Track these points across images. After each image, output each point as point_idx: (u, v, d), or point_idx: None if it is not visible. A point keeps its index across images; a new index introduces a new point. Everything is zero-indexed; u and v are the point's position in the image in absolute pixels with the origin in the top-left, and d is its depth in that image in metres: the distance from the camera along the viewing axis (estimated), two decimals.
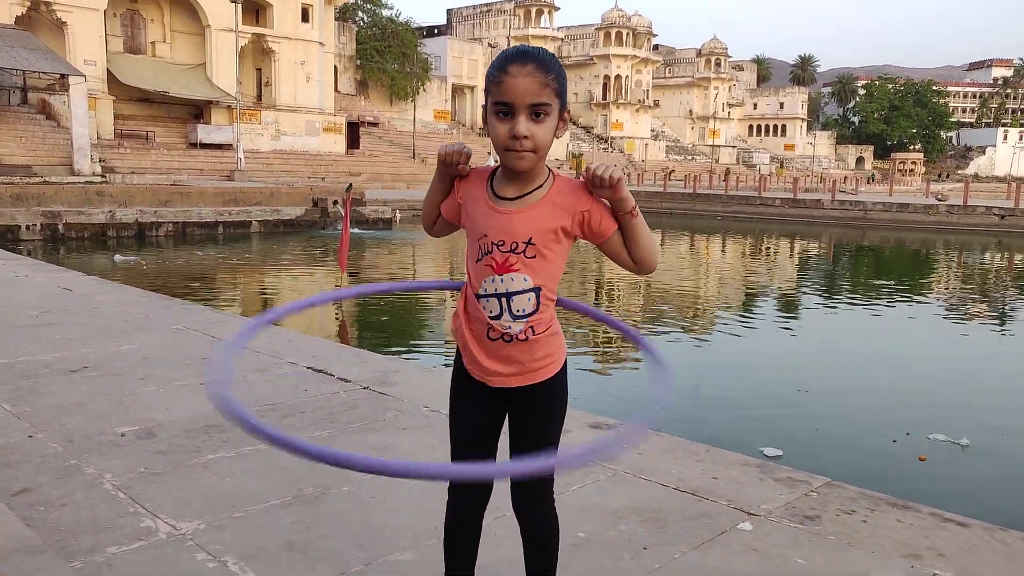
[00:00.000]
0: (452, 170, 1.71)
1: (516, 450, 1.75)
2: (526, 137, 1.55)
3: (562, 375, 1.73)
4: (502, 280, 1.63)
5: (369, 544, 2.38)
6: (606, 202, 1.62)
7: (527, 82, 1.53)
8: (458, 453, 1.77)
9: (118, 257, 16.13)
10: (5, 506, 2.23)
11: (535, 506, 1.78)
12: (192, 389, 4.01)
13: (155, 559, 2.23)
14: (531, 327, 1.65)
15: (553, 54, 1.61)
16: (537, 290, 1.63)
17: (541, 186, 1.64)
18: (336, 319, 11.24)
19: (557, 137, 1.63)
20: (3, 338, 5.03)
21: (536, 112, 1.55)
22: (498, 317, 1.64)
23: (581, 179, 1.62)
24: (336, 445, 3.24)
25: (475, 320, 1.68)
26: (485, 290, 1.65)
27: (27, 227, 18.34)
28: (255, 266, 17.06)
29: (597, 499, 2.78)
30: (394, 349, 8.86)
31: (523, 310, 1.64)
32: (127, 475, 2.85)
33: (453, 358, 1.81)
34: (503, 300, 1.64)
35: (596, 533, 2.51)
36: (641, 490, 2.88)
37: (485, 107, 1.61)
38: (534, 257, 1.62)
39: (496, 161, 1.66)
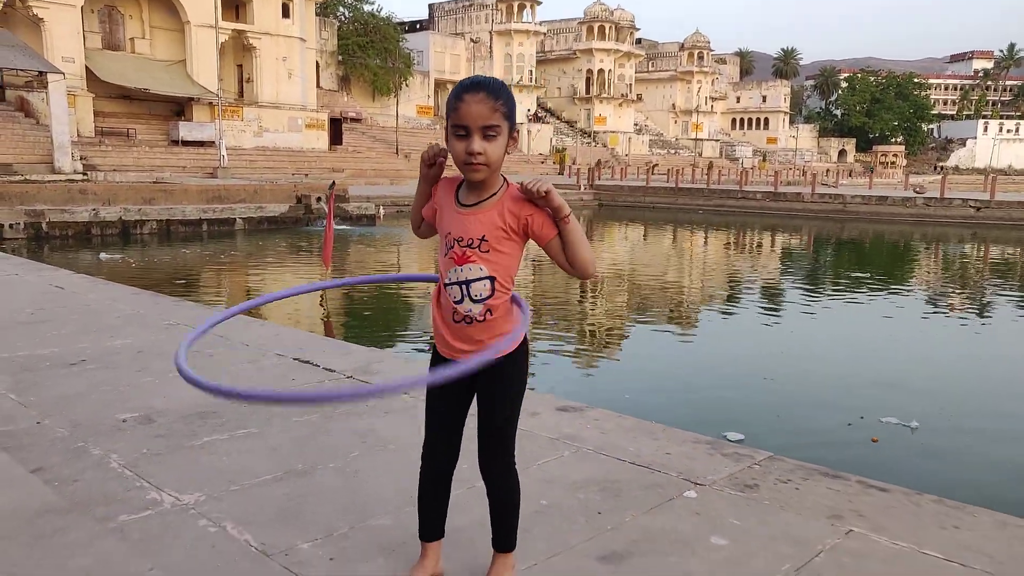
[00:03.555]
0: (432, 167, 2.00)
1: (483, 415, 2.05)
2: (480, 153, 1.85)
3: (522, 349, 2.01)
4: (462, 270, 1.94)
5: (353, 511, 2.66)
6: (549, 210, 1.92)
7: (479, 108, 1.82)
8: (432, 420, 2.09)
9: (103, 255, 16.27)
10: (31, 475, 2.50)
11: (498, 463, 2.07)
12: None
13: (162, 525, 2.50)
14: (488, 310, 1.95)
15: (503, 83, 1.90)
16: (492, 279, 1.94)
17: (495, 194, 1.95)
18: (321, 313, 11.49)
19: (508, 153, 1.93)
20: (2, 334, 5.26)
21: (488, 133, 1.85)
22: (460, 302, 1.95)
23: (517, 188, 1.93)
24: (322, 428, 3.52)
25: (444, 307, 2.00)
26: (450, 279, 1.96)
27: (10, 226, 18.40)
28: (240, 263, 17.24)
29: (559, 472, 3.07)
30: (376, 341, 9.13)
31: (480, 295, 1.94)
32: (131, 455, 3.11)
33: (431, 347, 2.12)
34: (463, 287, 1.94)
35: (556, 501, 2.81)
36: (601, 464, 3.18)
37: (446, 128, 1.90)
38: (488, 252, 1.93)
39: None
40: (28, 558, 1.95)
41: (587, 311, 12.37)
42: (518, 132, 1.95)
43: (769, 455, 3.33)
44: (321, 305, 12.39)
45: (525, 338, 2.04)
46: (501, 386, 2.03)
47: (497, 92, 1.85)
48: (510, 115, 1.87)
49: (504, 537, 2.13)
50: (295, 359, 4.78)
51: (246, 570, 2.25)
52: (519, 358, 2.03)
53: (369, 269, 16.85)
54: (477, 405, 2.07)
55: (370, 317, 11.55)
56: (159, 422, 3.54)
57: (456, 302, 1.95)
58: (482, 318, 1.95)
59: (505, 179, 1.97)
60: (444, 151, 1.98)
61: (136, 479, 2.87)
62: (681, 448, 3.41)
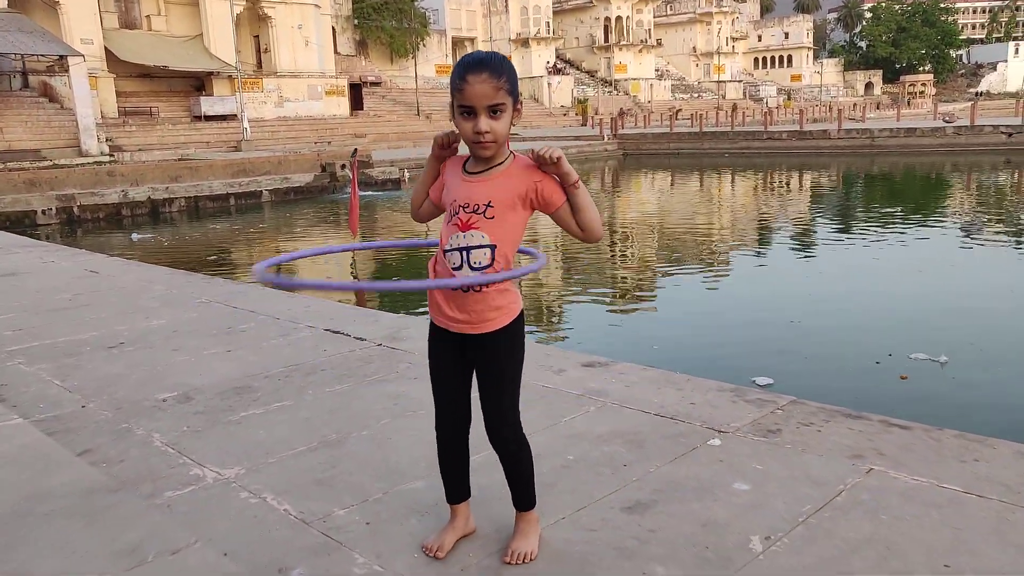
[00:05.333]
0: (445, 150, 2.04)
1: (483, 389, 2.08)
2: (488, 132, 1.89)
3: (515, 325, 2.05)
4: (464, 236, 1.96)
5: (386, 477, 2.77)
6: (556, 178, 1.96)
7: (483, 88, 1.85)
8: (438, 390, 2.14)
9: (135, 235, 16.56)
10: (77, 458, 2.63)
11: (503, 432, 2.11)
12: (221, 357, 4.40)
13: (206, 499, 2.63)
14: None
15: (504, 57, 1.93)
16: (492, 247, 1.96)
17: (502, 163, 1.99)
18: (350, 281, 11.63)
19: (513, 125, 1.97)
20: (43, 321, 5.44)
21: (493, 110, 1.88)
22: (459, 268, 1.97)
23: (528, 156, 1.96)
24: (354, 396, 3.63)
25: (440, 274, 2.03)
26: (451, 245, 1.98)
27: (43, 212, 18.73)
28: (270, 236, 17.45)
29: (585, 428, 3.15)
30: (404, 307, 9.24)
31: (479, 263, 1.96)
32: (173, 433, 3.25)
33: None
34: (464, 253, 1.97)
35: (582, 455, 2.89)
36: (625, 418, 3.25)
37: (452, 107, 1.94)
38: (492, 219, 1.95)
39: None
40: (82, 533, 2.07)
41: (614, 263, 12.37)
42: (521, 104, 1.97)
43: (792, 399, 3.38)
44: (352, 273, 12.55)
45: (521, 312, 2.08)
46: (497, 361, 2.05)
47: (499, 70, 1.87)
48: (513, 91, 1.90)
49: (521, 497, 2.19)
50: (326, 330, 4.90)
51: (287, 537, 2.36)
52: (515, 332, 2.05)
53: (397, 234, 16.96)
54: (477, 377, 2.10)
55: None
56: (197, 400, 3.68)
57: (455, 268, 1.98)
58: (479, 288, 1.98)
59: (512, 151, 2.00)
60: (458, 136, 2.01)
61: (178, 456, 3.00)
62: (705, 397, 3.46)
